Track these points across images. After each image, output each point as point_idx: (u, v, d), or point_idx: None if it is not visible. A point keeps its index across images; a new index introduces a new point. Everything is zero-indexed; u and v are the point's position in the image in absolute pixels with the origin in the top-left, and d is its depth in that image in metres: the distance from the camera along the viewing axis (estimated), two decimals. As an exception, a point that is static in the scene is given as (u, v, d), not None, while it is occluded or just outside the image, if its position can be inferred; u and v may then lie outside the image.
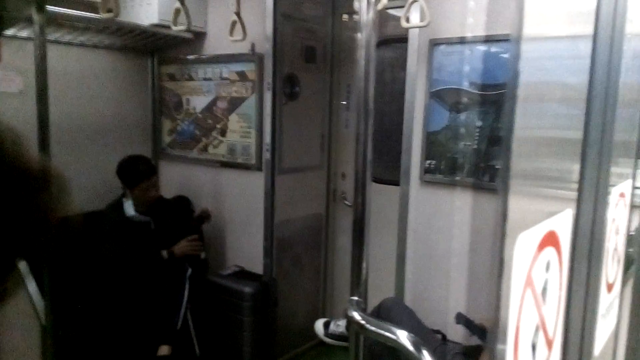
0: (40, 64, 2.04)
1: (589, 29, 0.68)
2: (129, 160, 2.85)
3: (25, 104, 2.35)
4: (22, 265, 2.24)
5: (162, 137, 3.51)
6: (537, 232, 0.54)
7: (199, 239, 2.96)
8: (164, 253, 2.76)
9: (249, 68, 3.01)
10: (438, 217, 2.49)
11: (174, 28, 2.48)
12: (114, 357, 2.60)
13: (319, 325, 2.69)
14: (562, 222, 0.63)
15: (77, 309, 2.65)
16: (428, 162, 2.50)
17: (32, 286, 2.29)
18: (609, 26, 0.71)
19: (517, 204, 0.49)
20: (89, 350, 2.56)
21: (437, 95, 2.44)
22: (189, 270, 2.80)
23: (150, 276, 2.70)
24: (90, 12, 2.60)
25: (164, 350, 2.61)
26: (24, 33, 2.64)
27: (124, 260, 2.68)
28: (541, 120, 0.55)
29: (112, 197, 2.88)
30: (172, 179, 3.42)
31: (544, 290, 0.58)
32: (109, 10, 2.11)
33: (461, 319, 2.14)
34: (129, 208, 2.77)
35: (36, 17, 2.01)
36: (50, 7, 2.24)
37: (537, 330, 0.57)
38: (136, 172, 2.79)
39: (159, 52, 3.42)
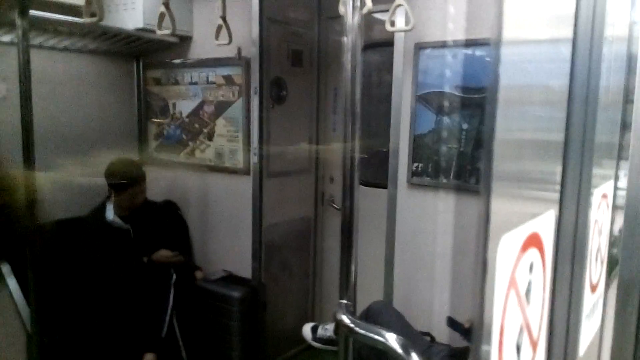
0: (24, 69, 2.02)
1: (568, 32, 0.69)
2: (119, 163, 2.81)
3: (9, 109, 2.32)
4: (5, 269, 2.21)
5: (148, 141, 3.49)
6: (520, 234, 0.55)
7: (186, 249, 2.95)
8: (145, 259, 2.74)
9: (235, 72, 3.00)
10: (425, 220, 2.50)
11: (159, 32, 2.46)
12: (100, 365, 2.57)
13: (306, 329, 2.69)
14: (545, 224, 0.63)
15: (62, 317, 2.62)
16: (415, 165, 2.51)
17: (17, 294, 2.26)
18: (588, 29, 0.72)
19: (500, 206, 0.49)
20: (75, 358, 2.53)
21: (423, 99, 2.46)
22: (174, 277, 2.77)
23: (131, 282, 2.67)
24: (74, 17, 2.58)
25: (148, 358, 2.58)
26: (7, 38, 2.62)
27: (102, 266, 2.65)
28: (523, 123, 0.56)
29: (96, 203, 2.86)
30: (159, 184, 3.40)
31: (528, 291, 0.58)
32: (93, 15, 2.09)
33: (453, 323, 2.14)
34: (110, 211, 2.74)
35: (19, 21, 1.99)
36: (33, 12, 2.22)
37: (521, 331, 0.58)
38: (126, 177, 2.75)
39: (145, 56, 3.40)
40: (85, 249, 2.68)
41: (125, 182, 2.73)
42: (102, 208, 2.78)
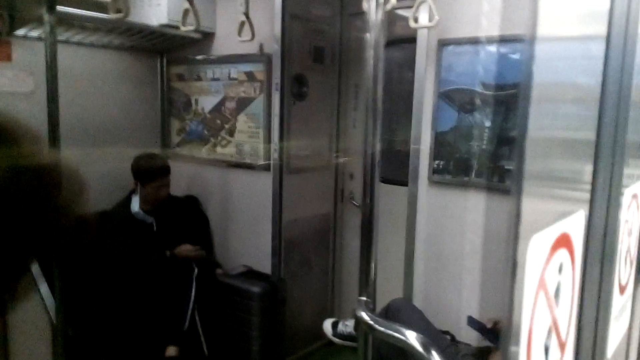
0: (51, 64, 2.06)
1: (602, 30, 0.67)
2: (146, 156, 2.89)
3: (36, 104, 2.37)
4: (35, 268, 2.25)
5: (170, 137, 3.53)
6: (550, 234, 0.54)
7: (207, 244, 2.97)
8: (167, 252, 2.78)
9: (257, 68, 3.01)
10: (446, 218, 2.48)
11: (183, 28, 2.49)
12: (123, 357, 2.61)
13: (327, 325, 2.70)
14: (575, 224, 0.62)
15: (87, 309, 2.67)
16: (436, 162, 2.49)
17: (43, 286, 2.31)
18: (622, 27, 0.70)
19: (530, 206, 0.48)
20: (99, 349, 2.58)
21: (445, 96, 2.43)
22: (196, 271, 2.81)
23: (154, 276, 2.71)
24: (100, 13, 2.62)
25: (171, 351, 2.62)
26: (35, 33, 2.67)
27: (127, 259, 2.69)
28: (554, 121, 0.55)
29: (120, 197, 2.90)
30: (181, 179, 3.44)
31: (557, 292, 0.57)
32: (119, 11, 2.12)
33: (474, 323, 2.13)
34: (135, 204, 2.79)
35: (47, 17, 2.02)
36: (60, 8, 2.25)
37: (549, 332, 0.57)
38: (151, 168, 2.83)
39: (168, 52, 3.44)
40: (109, 241, 2.73)
41: (151, 174, 2.79)
42: (126, 202, 2.83)
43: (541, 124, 0.49)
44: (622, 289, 0.91)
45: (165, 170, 2.89)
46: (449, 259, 2.47)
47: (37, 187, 0.56)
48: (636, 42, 0.73)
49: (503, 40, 2.26)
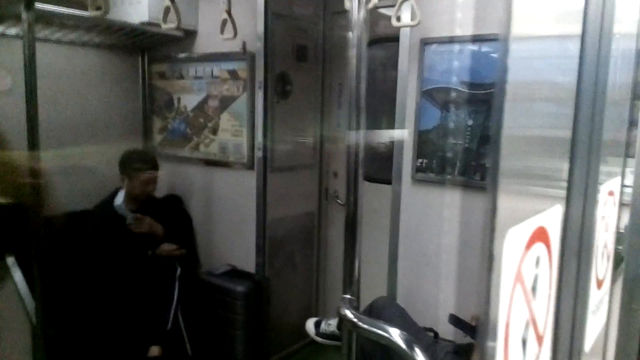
0: (29, 62, 2.03)
1: (577, 29, 0.69)
2: (134, 151, 2.89)
3: (14, 102, 2.33)
4: (10, 261, 2.22)
5: (152, 135, 3.50)
6: (526, 228, 0.55)
7: (190, 243, 2.96)
8: (149, 252, 2.76)
9: (240, 67, 3.00)
10: (430, 216, 2.50)
11: (164, 26, 2.46)
12: (105, 358, 2.58)
13: (310, 324, 2.70)
14: (552, 218, 0.63)
15: (68, 309, 2.64)
16: (420, 160, 2.51)
17: (22, 286, 2.28)
18: (596, 26, 0.72)
19: (507, 201, 0.49)
20: (81, 350, 2.54)
21: (428, 95, 2.45)
22: (179, 270, 2.79)
23: (136, 275, 2.68)
24: (79, 10, 2.58)
25: (154, 351, 2.60)
26: (13, 31, 2.62)
27: (109, 258, 2.67)
28: (530, 119, 0.56)
29: (102, 197, 2.87)
30: (163, 178, 3.40)
31: (534, 286, 0.58)
32: (98, 8, 2.09)
33: (454, 320, 2.15)
34: (120, 197, 2.76)
35: (25, 14, 1.99)
36: (39, 5, 2.22)
37: (527, 325, 0.58)
38: (140, 162, 2.81)
39: (150, 50, 3.41)
40: (91, 240, 2.70)
41: (139, 168, 2.77)
42: (110, 199, 2.80)
43: (517, 121, 0.50)
44: (599, 284, 0.93)
45: (154, 166, 2.87)
46: (432, 257, 2.49)
47: (12, 183, 0.55)
48: (611, 41, 0.74)
49: (484, 39, 2.28)
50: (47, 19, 2.61)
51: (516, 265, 0.53)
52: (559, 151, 0.69)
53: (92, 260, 2.67)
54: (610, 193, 0.94)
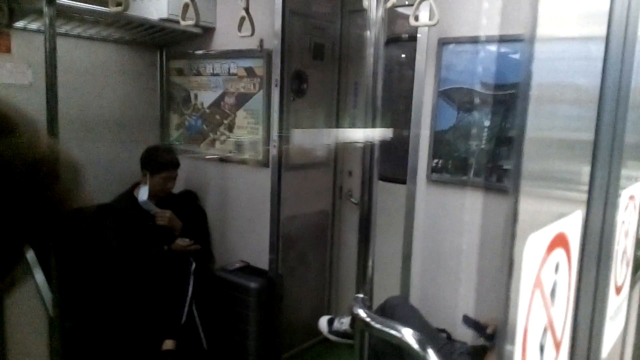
0: (50, 57, 2.06)
1: (601, 31, 0.68)
2: (157, 147, 2.96)
3: (35, 96, 2.37)
4: (30, 255, 2.25)
5: (169, 131, 3.52)
6: (547, 234, 0.54)
7: (204, 239, 2.98)
8: (165, 247, 2.78)
9: (257, 64, 3.01)
10: (444, 217, 2.48)
11: (183, 23, 2.48)
12: (120, 351, 2.61)
13: (323, 322, 2.70)
14: (572, 224, 0.62)
15: (85, 302, 2.68)
16: (435, 161, 2.49)
17: (39, 278, 2.31)
18: (621, 28, 0.71)
19: (528, 205, 0.49)
20: (96, 343, 2.58)
21: (445, 95, 2.43)
22: (193, 265, 2.81)
23: (152, 269, 2.71)
24: (99, 6, 2.61)
25: (168, 344, 2.62)
26: (34, 25, 2.66)
27: (128, 252, 2.70)
28: (552, 122, 0.55)
29: (119, 191, 2.90)
30: (180, 174, 3.43)
31: (553, 291, 0.58)
32: (118, 4, 2.11)
33: (468, 321, 2.13)
34: (144, 193, 2.79)
35: (46, 9, 2.02)
36: (60, 0, 2.25)
37: (545, 331, 0.57)
38: (163, 158, 2.86)
39: (168, 46, 3.43)
40: (109, 234, 2.73)
41: (162, 165, 2.82)
42: (128, 195, 2.83)
43: (539, 124, 0.50)
44: (618, 290, 0.91)
45: (175, 162, 2.92)
46: (447, 258, 2.47)
47: (33, 175, 0.56)
48: (635, 44, 0.73)
49: (503, 39, 2.26)
50: (68, 14, 2.64)
51: (536, 270, 0.52)
52: (581, 154, 0.68)
53: (109, 253, 2.70)
54: (631, 198, 0.92)
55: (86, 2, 2.63)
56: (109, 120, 3.19)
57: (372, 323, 1.15)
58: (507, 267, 0.47)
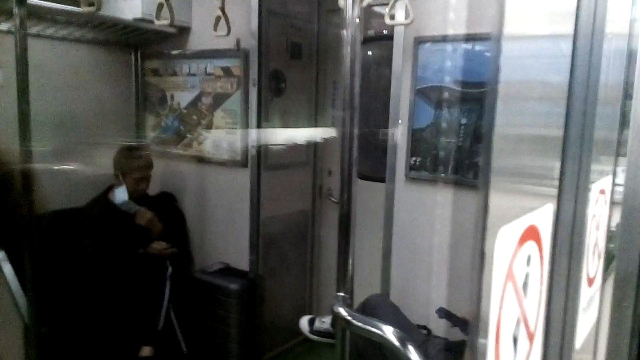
0: (21, 58, 2.01)
1: (569, 29, 0.69)
2: (129, 147, 2.90)
3: (6, 98, 2.31)
4: (6, 267, 2.21)
5: (145, 132, 3.48)
6: (518, 226, 0.55)
7: (183, 241, 2.95)
8: (140, 250, 2.75)
9: (234, 64, 2.99)
10: (423, 214, 2.51)
11: (157, 22, 2.45)
12: (96, 357, 2.57)
13: (303, 322, 2.70)
14: (543, 217, 0.64)
15: (59, 308, 2.63)
16: (413, 159, 2.52)
17: (14, 284, 2.26)
18: (589, 26, 0.72)
19: (498, 200, 0.49)
20: (72, 349, 2.53)
21: (422, 93, 2.46)
22: (170, 269, 2.78)
23: (127, 273, 2.67)
24: (71, 6, 2.56)
25: (145, 351, 2.59)
26: (4, 26, 2.60)
27: (103, 256, 2.65)
28: (522, 118, 0.56)
29: (94, 194, 2.85)
30: (156, 176, 3.39)
31: (525, 283, 0.59)
32: (91, 4, 2.08)
33: (442, 312, 2.17)
34: (122, 194, 2.75)
35: (17, 10, 1.97)
36: (31, 0, 2.20)
37: (518, 323, 0.58)
38: (135, 159, 2.82)
39: (143, 46, 3.39)
40: (84, 238, 2.68)
41: (133, 165, 2.77)
42: (103, 197, 2.78)
43: (509, 120, 0.51)
44: (590, 282, 0.93)
45: (148, 163, 2.88)
46: (426, 254, 2.50)
47: (3, 179, 0.55)
48: (603, 40, 0.74)
49: (477, 38, 2.29)
50: (40, 14, 2.59)
51: (507, 263, 0.53)
52: (551, 150, 0.70)
53: (84, 258, 2.65)
54: (602, 191, 0.95)
55: (58, 2, 2.58)
56: (83, 122, 3.13)
57: (353, 321, 1.16)
58: (479, 260, 0.47)
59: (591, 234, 0.88)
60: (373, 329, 1.11)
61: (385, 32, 2.90)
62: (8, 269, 2.24)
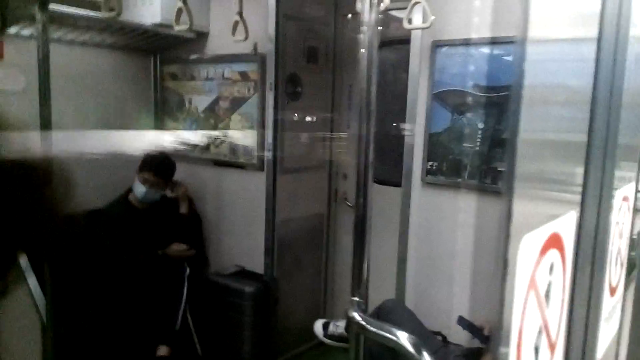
0: (43, 63, 2.05)
1: (593, 32, 0.68)
2: (157, 155, 2.99)
3: (28, 102, 2.35)
4: (23, 260, 2.23)
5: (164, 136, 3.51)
6: (541, 234, 0.54)
7: (199, 244, 2.97)
8: (159, 252, 2.78)
9: (251, 68, 3.01)
10: (439, 219, 2.49)
11: (176, 27, 2.47)
12: (114, 357, 2.59)
13: (318, 326, 2.69)
14: (566, 225, 0.62)
15: (78, 308, 2.66)
16: (430, 163, 2.50)
17: (33, 284, 2.29)
18: (613, 29, 0.71)
19: (521, 206, 0.48)
20: (90, 349, 2.56)
21: (439, 97, 2.44)
22: (188, 270, 2.80)
23: (146, 274, 2.70)
24: (92, 11, 2.60)
25: (162, 350, 2.61)
26: (27, 31, 2.64)
27: (122, 257, 2.68)
28: (545, 123, 0.55)
29: (113, 196, 2.89)
30: (174, 179, 3.42)
31: (548, 292, 0.58)
32: (111, 9, 2.10)
33: (463, 322, 2.13)
34: (140, 187, 2.78)
35: (39, 15, 2.01)
36: (52, 6, 2.24)
37: (540, 333, 0.57)
38: (146, 159, 2.86)
39: (162, 51, 3.42)
40: (104, 239, 2.72)
41: (143, 163, 2.82)
42: (123, 199, 2.82)
43: (533, 125, 0.50)
44: (612, 291, 0.91)
45: (170, 171, 2.95)
46: (442, 260, 2.48)
47: (26, 181, 0.56)
48: (627, 45, 0.73)
49: (496, 42, 2.27)
50: (61, 20, 2.63)
51: (530, 271, 0.52)
52: (574, 156, 0.68)
53: (103, 259, 2.68)
54: (625, 199, 0.93)
55: (79, 8, 2.62)
56: (103, 126, 3.17)
57: (368, 326, 1.15)
58: (502, 268, 0.47)
59: (614, 242, 0.86)
60: (387, 335, 1.11)
61: (402, 36, 2.89)
62: (29, 271, 2.27)
